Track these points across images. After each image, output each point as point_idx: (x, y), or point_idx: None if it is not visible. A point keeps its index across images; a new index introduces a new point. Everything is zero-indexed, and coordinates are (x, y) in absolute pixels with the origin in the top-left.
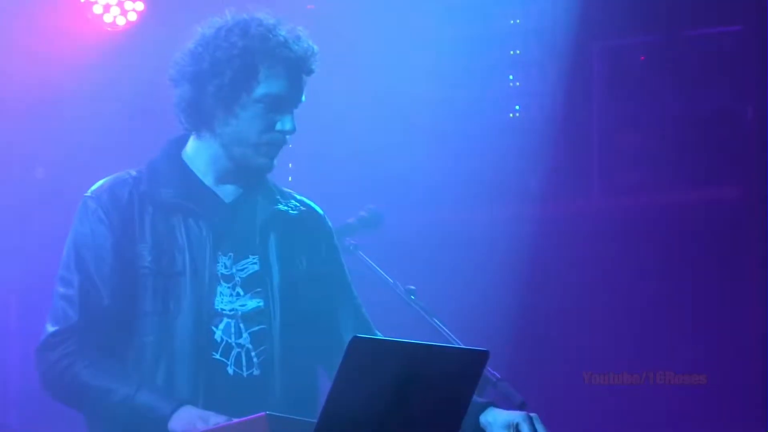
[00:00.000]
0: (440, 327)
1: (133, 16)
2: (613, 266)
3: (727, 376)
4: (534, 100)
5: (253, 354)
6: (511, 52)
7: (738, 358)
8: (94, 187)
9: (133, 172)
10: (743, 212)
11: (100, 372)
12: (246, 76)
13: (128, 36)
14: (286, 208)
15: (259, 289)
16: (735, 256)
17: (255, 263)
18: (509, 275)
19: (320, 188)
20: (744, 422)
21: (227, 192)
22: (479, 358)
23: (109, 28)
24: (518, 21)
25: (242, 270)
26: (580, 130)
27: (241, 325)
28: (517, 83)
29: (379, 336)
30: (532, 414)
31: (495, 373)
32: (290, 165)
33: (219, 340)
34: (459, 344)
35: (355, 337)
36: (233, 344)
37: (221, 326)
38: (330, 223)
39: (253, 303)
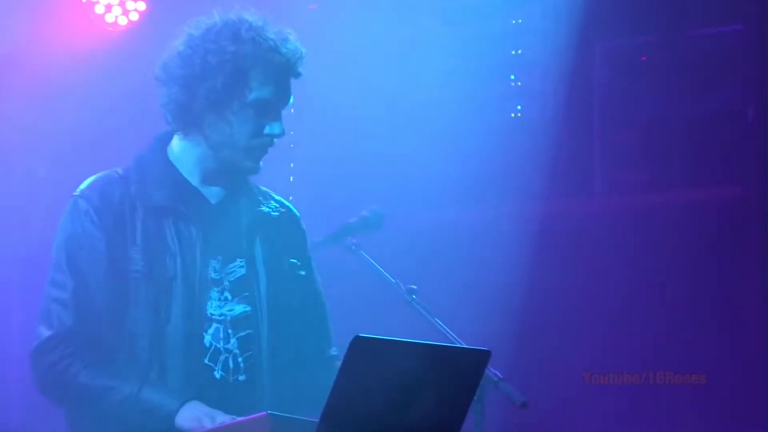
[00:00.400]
0: (442, 327)
1: (134, 16)
2: (613, 266)
3: (727, 376)
4: (535, 100)
5: (240, 359)
6: (513, 52)
7: (738, 358)
8: (82, 186)
9: (120, 171)
10: (744, 212)
11: (100, 372)
12: (237, 81)
13: (130, 36)
14: (268, 210)
15: (246, 294)
16: (735, 255)
17: (242, 266)
18: (511, 275)
19: (322, 188)
20: (744, 422)
21: (213, 193)
22: (481, 358)
23: (110, 28)
24: (520, 21)
25: (230, 274)
26: (582, 129)
27: (230, 331)
28: (519, 83)
29: (335, 351)
30: None
31: (497, 372)
32: (292, 165)
33: (208, 345)
34: (460, 344)
35: (357, 337)
36: (221, 349)
37: (210, 331)
38: (304, 225)
39: (240, 308)
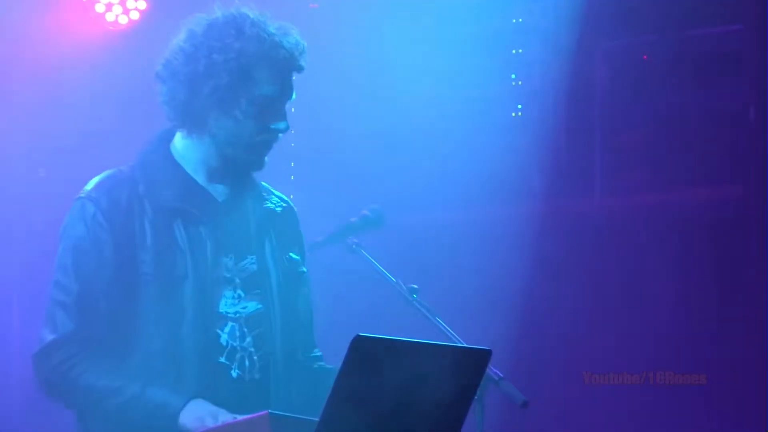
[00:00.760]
0: (443, 326)
1: (135, 15)
2: (614, 266)
3: (727, 376)
4: (536, 100)
5: (255, 357)
6: (514, 51)
7: (738, 358)
8: (88, 187)
9: (125, 169)
10: (744, 212)
11: (104, 372)
12: (243, 78)
13: (130, 35)
14: (272, 205)
15: (257, 291)
16: (735, 255)
17: (253, 263)
18: (511, 274)
19: (322, 187)
20: (744, 422)
21: (219, 191)
22: (482, 357)
23: (111, 27)
24: (521, 20)
25: (243, 271)
26: (583, 129)
27: (245, 329)
28: (520, 82)
29: (318, 351)
30: None
31: (497, 371)
32: (292, 164)
33: (225, 343)
34: (461, 343)
35: (358, 336)
36: (238, 347)
37: (226, 330)
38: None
39: (253, 305)
